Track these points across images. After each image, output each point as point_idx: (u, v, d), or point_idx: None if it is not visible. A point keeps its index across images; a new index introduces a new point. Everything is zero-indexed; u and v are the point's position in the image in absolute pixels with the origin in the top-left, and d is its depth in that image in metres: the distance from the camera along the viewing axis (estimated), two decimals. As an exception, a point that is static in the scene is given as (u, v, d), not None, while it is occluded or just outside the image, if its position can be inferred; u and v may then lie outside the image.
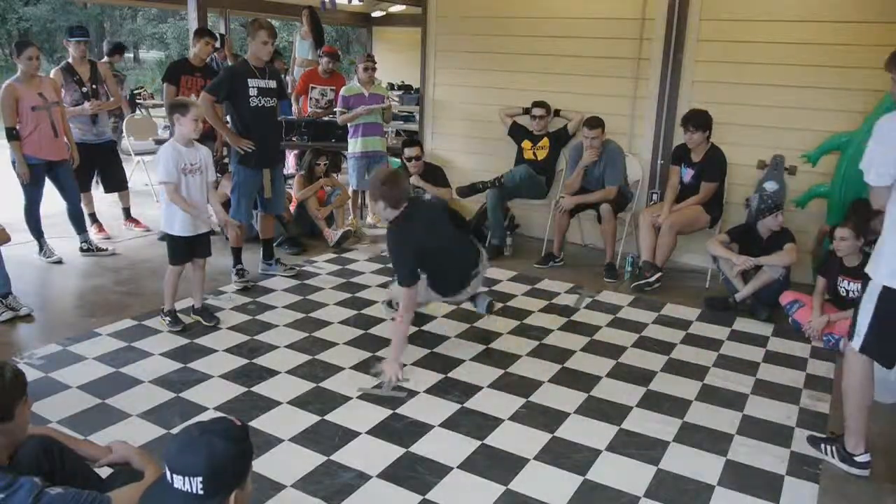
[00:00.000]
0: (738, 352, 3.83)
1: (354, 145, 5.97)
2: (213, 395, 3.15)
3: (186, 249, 3.87)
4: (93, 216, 5.60)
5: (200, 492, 1.46)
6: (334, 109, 6.13)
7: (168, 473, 1.48)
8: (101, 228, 5.62)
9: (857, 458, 2.71)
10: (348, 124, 5.93)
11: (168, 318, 3.86)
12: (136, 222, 5.90)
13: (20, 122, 4.62)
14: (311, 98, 6.63)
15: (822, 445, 2.84)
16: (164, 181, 3.68)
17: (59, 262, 4.96)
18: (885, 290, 2.47)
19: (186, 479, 1.46)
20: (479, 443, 2.84)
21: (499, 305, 4.33)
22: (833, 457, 2.77)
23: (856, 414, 2.70)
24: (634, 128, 5.46)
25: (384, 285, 4.70)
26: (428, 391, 3.27)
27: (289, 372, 3.41)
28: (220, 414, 2.87)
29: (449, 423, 2.98)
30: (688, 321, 4.26)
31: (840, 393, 2.83)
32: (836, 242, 3.78)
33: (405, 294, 3.40)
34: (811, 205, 4.81)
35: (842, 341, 3.71)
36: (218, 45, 6.47)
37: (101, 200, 5.76)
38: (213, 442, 1.49)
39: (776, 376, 3.55)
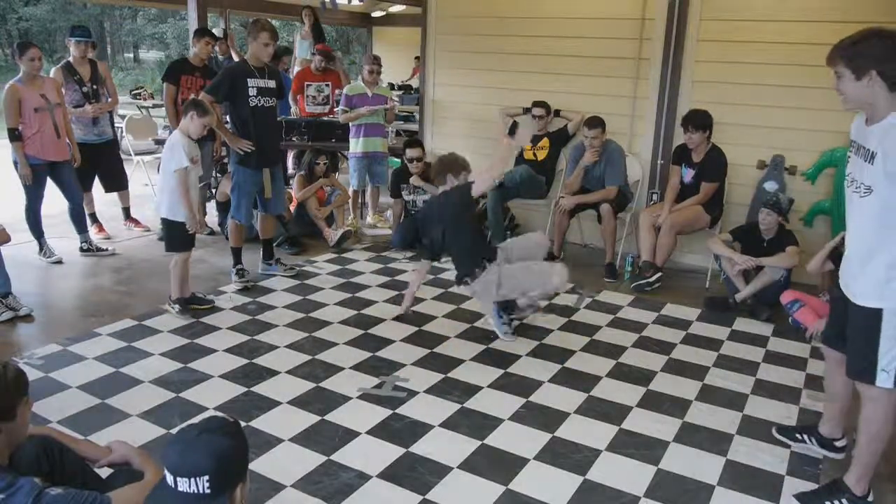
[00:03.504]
0: (738, 352, 3.83)
1: (356, 145, 5.97)
2: (213, 395, 3.15)
3: (192, 235, 4.05)
4: (93, 216, 5.60)
5: (207, 490, 1.47)
6: (336, 109, 6.13)
7: (170, 478, 1.49)
8: (101, 228, 5.62)
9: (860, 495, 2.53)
10: (350, 124, 5.94)
11: (177, 306, 3.98)
12: (136, 222, 5.90)
13: (23, 123, 4.62)
14: (307, 96, 6.63)
15: (797, 435, 2.87)
16: (184, 166, 3.84)
17: (59, 262, 4.96)
18: None
19: (192, 480, 1.46)
20: (479, 443, 2.84)
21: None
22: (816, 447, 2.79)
23: (878, 455, 2.46)
24: (634, 128, 5.46)
25: (385, 285, 4.71)
26: (428, 391, 3.26)
27: (289, 372, 3.41)
28: (220, 414, 2.87)
29: (449, 423, 2.98)
30: (688, 321, 4.26)
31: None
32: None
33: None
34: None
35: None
36: (221, 35, 6.44)
37: (101, 200, 5.76)
38: (213, 440, 1.51)
39: (776, 376, 3.55)
